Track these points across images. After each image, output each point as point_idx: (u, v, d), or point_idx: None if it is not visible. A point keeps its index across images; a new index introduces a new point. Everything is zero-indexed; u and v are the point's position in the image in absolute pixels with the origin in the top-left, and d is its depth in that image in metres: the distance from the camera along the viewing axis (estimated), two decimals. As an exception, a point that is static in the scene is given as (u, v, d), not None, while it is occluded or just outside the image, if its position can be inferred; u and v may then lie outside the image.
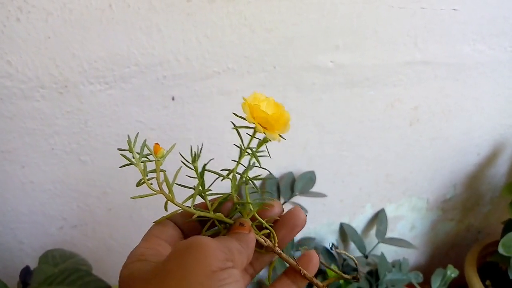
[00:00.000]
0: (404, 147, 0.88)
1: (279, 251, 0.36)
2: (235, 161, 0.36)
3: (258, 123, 0.33)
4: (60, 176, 0.68)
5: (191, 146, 0.35)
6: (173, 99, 0.65)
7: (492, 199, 1.08)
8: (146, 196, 0.33)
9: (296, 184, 0.81)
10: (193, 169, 0.35)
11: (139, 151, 0.33)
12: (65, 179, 0.68)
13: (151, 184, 0.33)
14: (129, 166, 0.34)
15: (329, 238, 0.96)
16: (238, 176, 0.37)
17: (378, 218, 0.96)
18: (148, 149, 0.33)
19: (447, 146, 0.92)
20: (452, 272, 0.94)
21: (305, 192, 0.81)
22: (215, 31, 0.61)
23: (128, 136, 0.34)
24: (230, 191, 0.36)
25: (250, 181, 0.36)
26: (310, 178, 0.82)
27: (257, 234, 0.35)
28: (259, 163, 0.36)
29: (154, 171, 0.33)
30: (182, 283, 0.26)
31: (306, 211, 0.37)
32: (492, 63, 0.82)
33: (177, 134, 0.69)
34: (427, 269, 1.13)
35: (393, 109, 0.81)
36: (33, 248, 0.74)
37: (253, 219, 0.36)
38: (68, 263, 0.58)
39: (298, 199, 0.82)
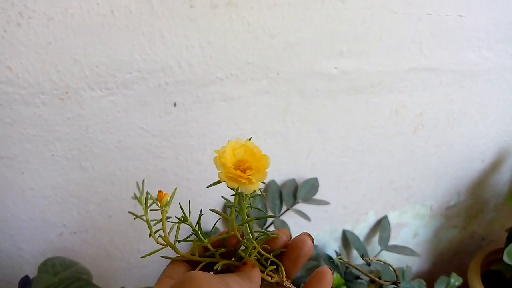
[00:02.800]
0: (408, 153, 0.87)
1: (288, 284, 0.35)
2: (230, 204, 0.36)
3: (230, 179, 0.32)
4: (61, 182, 0.67)
5: (179, 204, 0.36)
6: (175, 105, 0.65)
7: (496, 206, 1.07)
8: (155, 253, 0.35)
9: (299, 191, 0.80)
10: (188, 225, 0.36)
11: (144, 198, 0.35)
12: (65, 186, 0.68)
13: (158, 237, 0.35)
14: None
15: (332, 245, 0.96)
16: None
17: (381, 225, 0.95)
18: (152, 198, 0.35)
19: (452, 152, 0.91)
20: (455, 280, 0.93)
21: (308, 199, 0.80)
22: (218, 37, 0.61)
23: (137, 183, 0.35)
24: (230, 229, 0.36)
25: (248, 224, 0.36)
26: (313, 185, 0.81)
27: (265, 270, 0.35)
28: (252, 207, 0.37)
29: (160, 221, 0.35)
30: None
31: (313, 240, 0.36)
32: (497, 69, 0.81)
33: (179, 140, 0.68)
34: (430, 277, 1.12)
35: (398, 115, 0.80)
36: (33, 255, 0.73)
37: (261, 254, 0.36)
38: (68, 272, 0.58)
39: (301, 206, 0.81)
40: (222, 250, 0.36)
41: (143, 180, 0.35)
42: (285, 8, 0.62)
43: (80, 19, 0.54)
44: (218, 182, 0.34)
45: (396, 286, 0.37)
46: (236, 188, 0.34)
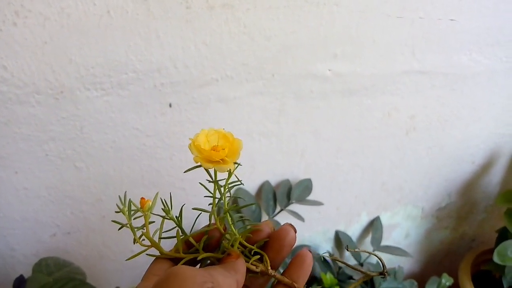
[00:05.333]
0: (400, 155, 0.88)
1: (273, 273, 0.36)
2: (210, 196, 0.37)
3: (206, 160, 0.34)
4: (55, 182, 0.67)
5: (160, 198, 0.36)
6: (170, 106, 0.65)
7: (486, 208, 1.09)
8: (139, 255, 0.35)
9: (293, 192, 0.80)
10: (170, 219, 0.37)
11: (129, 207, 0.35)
12: (59, 186, 0.67)
13: (143, 240, 0.35)
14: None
15: (325, 246, 0.96)
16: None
17: (374, 226, 0.96)
18: (135, 205, 0.35)
19: (443, 154, 0.92)
20: (446, 281, 0.94)
21: (302, 200, 0.81)
22: (214, 38, 0.61)
23: (119, 197, 0.35)
24: (214, 223, 0.37)
25: (229, 213, 0.37)
26: (306, 186, 0.82)
27: (250, 260, 0.35)
28: (231, 196, 0.38)
29: (143, 226, 0.35)
30: None
31: (295, 230, 0.37)
32: (488, 72, 0.82)
33: (174, 141, 0.68)
34: (421, 277, 1.13)
35: (390, 117, 0.81)
36: (25, 256, 0.73)
37: (245, 246, 0.36)
38: (62, 272, 0.57)
39: (295, 207, 0.82)
40: (205, 238, 0.36)
41: (125, 192, 0.35)
42: (281, 11, 0.62)
43: (77, 19, 0.54)
44: (196, 167, 0.35)
45: (383, 276, 0.38)
46: (214, 177, 0.36)
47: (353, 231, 0.98)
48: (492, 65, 0.81)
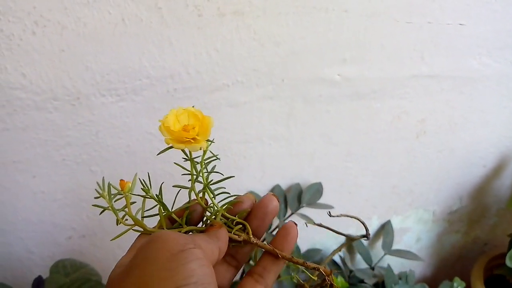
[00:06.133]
0: (410, 159, 0.89)
1: (255, 241, 0.37)
2: (188, 174, 0.38)
3: (177, 141, 0.34)
4: (71, 186, 0.69)
5: (139, 178, 0.37)
6: (183, 111, 0.66)
7: (498, 211, 1.08)
8: (122, 234, 0.36)
9: (303, 195, 0.81)
10: (151, 198, 0.37)
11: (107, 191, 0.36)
12: (75, 189, 0.69)
13: (126, 220, 0.36)
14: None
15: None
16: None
17: (385, 230, 0.96)
18: (115, 188, 0.36)
19: (453, 158, 0.92)
20: (458, 285, 0.94)
21: (313, 203, 0.82)
22: (225, 44, 0.63)
23: (97, 182, 0.36)
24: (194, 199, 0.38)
25: (208, 187, 0.38)
26: (317, 189, 0.83)
27: (232, 230, 0.36)
28: (208, 171, 0.38)
29: (125, 206, 0.36)
30: (148, 271, 0.27)
31: (279, 200, 0.38)
32: (497, 76, 0.82)
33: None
34: (433, 282, 1.13)
35: (400, 121, 0.81)
36: (42, 258, 0.75)
37: (227, 217, 0.37)
38: (79, 273, 0.59)
39: (305, 210, 0.83)
40: (186, 213, 0.37)
41: (103, 178, 0.37)
42: (290, 17, 0.64)
43: (92, 27, 0.56)
44: (167, 148, 0.35)
45: (366, 238, 0.40)
46: (189, 155, 0.36)
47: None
48: (501, 69, 0.82)
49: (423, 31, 0.72)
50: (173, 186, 0.38)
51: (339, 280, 0.83)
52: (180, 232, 0.36)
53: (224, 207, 0.37)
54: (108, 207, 0.36)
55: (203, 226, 0.38)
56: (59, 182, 0.68)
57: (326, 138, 0.79)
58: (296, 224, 0.38)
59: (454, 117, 0.86)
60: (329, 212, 0.40)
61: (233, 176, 0.37)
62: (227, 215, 0.37)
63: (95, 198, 0.36)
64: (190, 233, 0.37)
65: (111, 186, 0.36)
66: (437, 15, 0.71)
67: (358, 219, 0.40)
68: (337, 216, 0.40)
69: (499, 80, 0.83)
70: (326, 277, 0.36)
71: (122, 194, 0.36)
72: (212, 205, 0.38)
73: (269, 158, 0.77)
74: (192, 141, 0.34)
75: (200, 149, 0.35)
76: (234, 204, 0.37)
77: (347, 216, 0.39)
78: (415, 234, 1.04)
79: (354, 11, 0.66)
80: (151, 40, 0.59)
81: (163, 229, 0.36)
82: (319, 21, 0.66)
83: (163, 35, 0.59)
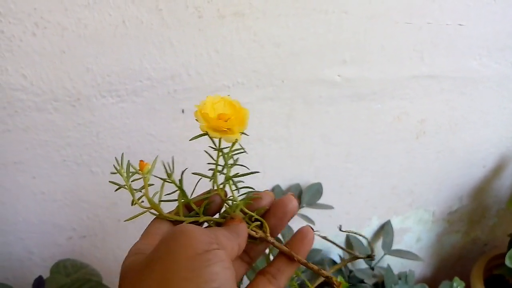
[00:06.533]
0: (410, 159, 0.89)
1: (272, 240, 0.37)
2: (213, 163, 0.37)
3: (213, 129, 0.33)
4: (71, 187, 0.69)
5: (162, 162, 0.36)
6: (183, 112, 0.66)
7: (498, 212, 1.08)
8: (138, 216, 0.35)
9: (303, 195, 0.81)
10: (171, 182, 0.36)
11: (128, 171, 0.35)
12: (75, 190, 0.69)
13: (142, 202, 0.35)
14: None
15: (336, 250, 0.97)
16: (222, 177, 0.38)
17: (384, 230, 0.96)
18: (134, 168, 0.35)
19: (453, 158, 0.92)
20: (458, 285, 0.94)
21: (312, 204, 0.82)
22: (225, 46, 0.63)
23: (116, 158, 0.35)
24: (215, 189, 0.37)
25: (232, 179, 0.37)
26: (317, 190, 0.83)
27: (249, 226, 0.36)
28: (235, 163, 0.38)
29: (142, 187, 0.35)
30: (170, 267, 0.27)
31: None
32: (497, 77, 0.82)
33: (186, 146, 0.70)
34: (433, 282, 1.13)
35: (400, 122, 0.82)
36: (42, 258, 0.75)
37: (245, 212, 0.37)
38: (79, 273, 0.59)
39: (305, 210, 0.83)
40: (205, 203, 0.36)
41: (122, 154, 0.36)
42: (290, 18, 0.64)
43: (93, 29, 0.56)
44: (201, 135, 0.34)
45: (371, 258, 0.39)
46: (218, 145, 0.35)
47: (364, 235, 0.98)
48: (502, 70, 0.82)
49: (422, 32, 0.72)
50: (192, 173, 0.37)
51: (339, 280, 0.83)
52: (197, 221, 0.36)
53: (243, 201, 0.37)
54: (125, 185, 0.34)
55: (219, 217, 0.37)
56: (59, 183, 0.68)
57: (326, 138, 0.79)
58: (312, 229, 0.37)
59: (454, 118, 0.86)
60: (340, 226, 0.40)
61: (258, 172, 0.37)
62: (246, 210, 0.37)
63: (112, 173, 0.35)
64: (205, 223, 0.37)
65: (130, 165, 0.35)
66: (436, 15, 0.71)
67: (365, 238, 0.40)
68: (347, 232, 0.40)
69: (500, 81, 0.83)
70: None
71: (140, 175, 0.35)
72: (231, 197, 0.37)
73: (269, 159, 0.78)
74: (227, 131, 0.33)
75: (236, 140, 0.34)
76: (253, 200, 0.37)
77: (356, 233, 0.39)
78: (415, 234, 1.05)
79: (354, 12, 0.66)
80: (152, 42, 0.59)
81: (179, 215, 0.36)
82: (319, 23, 0.66)
83: (163, 36, 0.59)
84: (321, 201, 0.83)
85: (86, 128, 0.64)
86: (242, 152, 0.37)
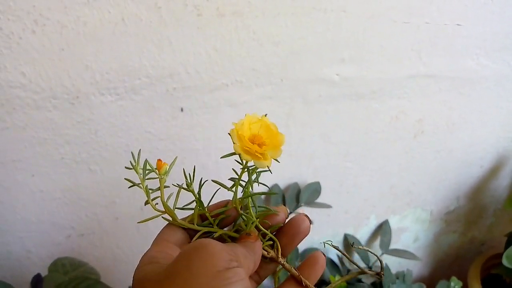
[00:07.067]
0: (408, 159, 0.89)
1: (282, 261, 0.37)
2: (235, 179, 0.37)
3: (245, 152, 0.32)
4: (70, 185, 0.69)
5: (183, 169, 0.36)
6: (182, 110, 0.66)
7: (495, 212, 1.09)
8: (152, 219, 0.35)
9: (302, 194, 0.81)
10: (189, 191, 0.36)
11: (142, 167, 0.35)
12: (74, 188, 0.69)
13: (156, 204, 0.35)
14: (137, 176, 0.35)
15: (333, 249, 0.97)
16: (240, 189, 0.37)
17: (382, 230, 0.96)
18: (151, 166, 0.35)
19: (451, 158, 0.93)
20: (455, 284, 0.94)
21: (311, 203, 0.82)
22: (224, 44, 0.63)
23: (132, 153, 0.35)
24: (233, 201, 0.37)
25: (251, 197, 0.36)
26: (315, 189, 0.83)
27: (262, 244, 0.36)
28: (258, 182, 0.37)
29: (158, 189, 0.35)
30: (190, 283, 0.27)
31: (311, 221, 0.37)
32: (495, 77, 0.83)
33: (185, 144, 0.70)
34: (430, 281, 1.13)
35: (398, 121, 0.82)
36: (41, 257, 0.75)
37: (259, 229, 0.36)
38: (77, 272, 0.59)
39: (304, 209, 0.83)
40: (221, 216, 0.36)
41: (139, 150, 0.35)
42: (289, 17, 0.64)
43: (92, 26, 0.56)
44: (233, 153, 0.34)
45: (379, 276, 0.38)
46: (245, 163, 0.34)
47: (362, 234, 0.98)
48: (499, 70, 0.82)
49: (421, 32, 0.72)
50: (212, 181, 0.37)
51: (336, 279, 0.83)
52: (211, 232, 0.35)
53: (260, 217, 0.36)
54: (139, 184, 0.34)
55: (233, 230, 0.37)
56: (58, 181, 0.68)
57: (325, 138, 0.79)
58: (324, 255, 0.37)
59: (451, 118, 0.86)
60: (353, 243, 0.39)
61: (276, 193, 0.38)
62: (260, 227, 0.36)
63: (126, 168, 0.34)
64: (214, 235, 0.36)
65: (147, 163, 0.34)
66: (435, 15, 0.71)
67: (378, 257, 0.39)
68: (360, 248, 0.39)
69: (497, 81, 0.84)
70: None
71: (157, 175, 0.34)
72: (247, 212, 0.36)
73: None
74: (261, 157, 0.32)
75: (267, 167, 0.33)
76: (267, 216, 0.36)
77: (368, 251, 0.39)
78: (412, 234, 1.05)
79: (353, 12, 0.67)
80: (151, 40, 0.59)
81: (193, 224, 0.35)
82: (318, 22, 0.66)
83: (162, 34, 0.59)
84: (320, 200, 0.84)
85: (85, 126, 0.64)
86: (266, 171, 0.36)
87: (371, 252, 0.39)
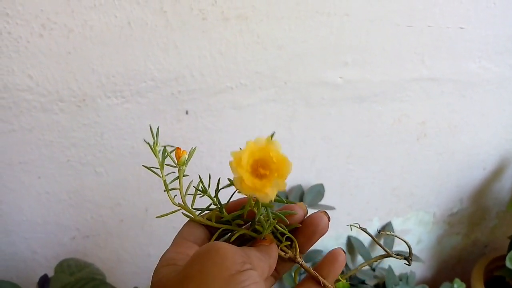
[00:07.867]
0: (411, 161, 0.89)
1: (301, 261, 0.36)
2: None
3: (246, 189, 0.30)
4: (75, 187, 0.70)
5: (199, 176, 0.35)
6: (187, 113, 0.67)
7: (498, 214, 1.09)
8: (170, 214, 0.35)
9: (305, 197, 0.82)
10: (207, 196, 0.36)
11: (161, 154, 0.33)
12: (80, 190, 0.70)
13: (174, 196, 0.34)
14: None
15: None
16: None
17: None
18: (170, 156, 0.34)
19: (454, 160, 0.93)
20: (459, 286, 0.94)
21: (314, 205, 0.82)
22: (229, 48, 0.63)
23: (150, 127, 0.33)
24: (248, 204, 0.36)
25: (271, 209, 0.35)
26: (319, 191, 0.83)
27: (280, 244, 0.35)
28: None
29: (176, 178, 0.34)
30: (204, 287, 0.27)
31: (329, 218, 0.36)
32: (497, 80, 0.83)
33: (190, 147, 0.70)
34: (433, 283, 1.14)
35: (400, 124, 0.82)
36: (46, 258, 0.75)
37: (277, 228, 0.35)
38: (83, 272, 0.60)
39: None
40: (240, 222, 0.35)
41: (158, 128, 0.33)
42: (292, 21, 0.65)
43: (99, 30, 0.57)
44: (229, 185, 0.33)
45: (408, 261, 0.38)
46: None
47: (365, 236, 0.99)
48: (502, 73, 0.83)
49: (423, 35, 0.72)
50: (229, 179, 0.35)
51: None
52: (229, 229, 0.35)
53: (276, 217, 0.35)
54: (155, 168, 0.32)
55: (250, 229, 0.36)
56: (64, 183, 0.69)
57: (328, 140, 0.80)
58: (344, 252, 0.36)
59: (454, 120, 0.86)
60: (380, 230, 0.38)
61: (296, 213, 0.34)
62: (278, 226, 0.35)
63: (144, 141, 0.33)
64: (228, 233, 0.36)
65: (166, 151, 0.33)
66: (437, 19, 0.72)
67: (406, 243, 0.38)
68: (386, 234, 0.39)
69: (499, 83, 0.84)
70: None
71: (175, 164, 0.33)
72: (265, 215, 0.35)
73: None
74: (262, 194, 0.30)
75: (270, 201, 0.30)
76: (286, 217, 0.35)
77: (395, 236, 0.38)
78: (415, 236, 1.05)
79: (356, 15, 0.67)
80: (156, 43, 0.60)
81: (211, 220, 0.35)
82: (321, 25, 0.66)
83: (168, 38, 0.60)
84: (323, 202, 0.84)
85: (91, 128, 0.65)
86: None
87: (400, 238, 0.38)
